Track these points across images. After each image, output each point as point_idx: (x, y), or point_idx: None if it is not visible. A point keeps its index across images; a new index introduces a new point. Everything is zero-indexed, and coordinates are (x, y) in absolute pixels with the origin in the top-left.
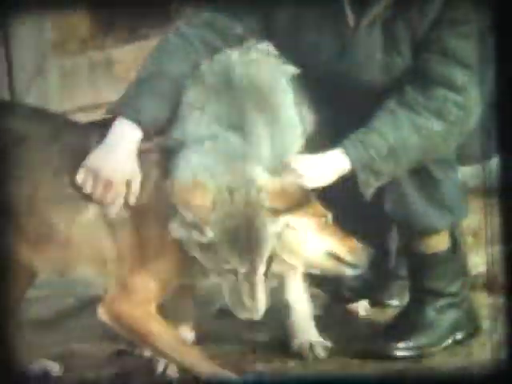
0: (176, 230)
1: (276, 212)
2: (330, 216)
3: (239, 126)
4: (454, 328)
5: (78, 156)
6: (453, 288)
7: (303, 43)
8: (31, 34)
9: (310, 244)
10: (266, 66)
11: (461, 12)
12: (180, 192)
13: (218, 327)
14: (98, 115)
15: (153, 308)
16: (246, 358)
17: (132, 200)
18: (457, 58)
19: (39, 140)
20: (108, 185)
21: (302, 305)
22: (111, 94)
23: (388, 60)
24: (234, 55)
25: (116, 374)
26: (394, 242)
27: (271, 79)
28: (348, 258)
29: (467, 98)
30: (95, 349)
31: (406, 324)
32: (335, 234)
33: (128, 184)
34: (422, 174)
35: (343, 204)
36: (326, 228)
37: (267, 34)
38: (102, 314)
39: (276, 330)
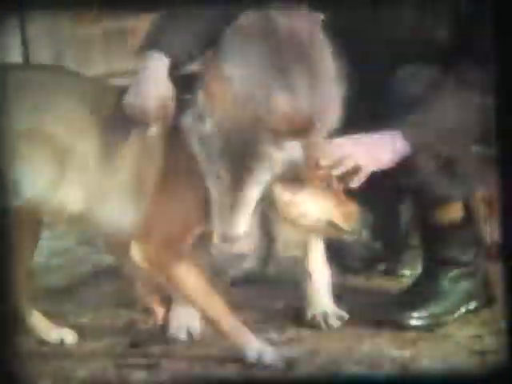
0: (185, 120)
1: (279, 134)
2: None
3: (279, 75)
4: (468, 297)
5: None
6: (466, 257)
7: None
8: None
9: (309, 214)
10: (306, 20)
11: None
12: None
13: (232, 295)
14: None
15: (182, 250)
16: (259, 326)
17: (168, 122)
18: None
19: None
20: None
21: (321, 275)
22: (125, 63)
23: (422, 26)
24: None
25: (130, 343)
26: (406, 211)
27: (312, 33)
28: (345, 225)
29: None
30: (110, 318)
31: (419, 293)
32: (335, 200)
33: (164, 107)
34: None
35: None
36: (326, 193)
37: None
38: (134, 253)
39: (291, 298)
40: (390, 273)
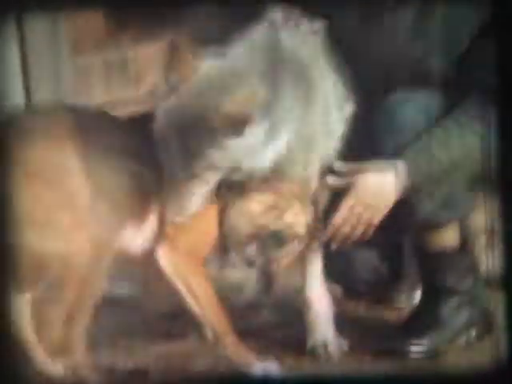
0: None
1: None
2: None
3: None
4: (468, 326)
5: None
6: (465, 285)
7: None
8: (46, 34)
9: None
10: (311, 42)
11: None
12: None
13: (231, 323)
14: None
15: (203, 260)
16: (259, 356)
17: None
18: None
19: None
20: None
21: (321, 303)
22: (125, 93)
23: (417, 55)
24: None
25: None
26: (405, 239)
27: (313, 56)
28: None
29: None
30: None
31: (420, 322)
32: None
33: None
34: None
35: None
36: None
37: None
38: (161, 259)
39: (292, 327)
40: (387, 301)
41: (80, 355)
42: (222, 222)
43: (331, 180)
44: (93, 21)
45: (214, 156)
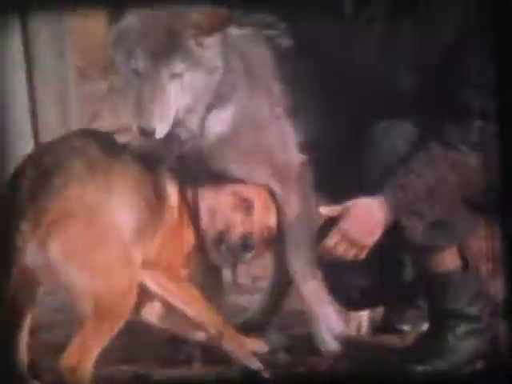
0: None
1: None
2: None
3: None
4: (475, 356)
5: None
6: (472, 311)
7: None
8: (53, 60)
9: None
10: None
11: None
12: None
13: None
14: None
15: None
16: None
17: None
18: (492, 90)
19: None
20: None
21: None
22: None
23: (389, 74)
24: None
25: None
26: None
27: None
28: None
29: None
30: (114, 372)
31: (425, 348)
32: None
33: None
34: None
35: None
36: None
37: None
38: (144, 276)
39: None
40: (390, 329)
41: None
42: (195, 219)
43: (324, 210)
44: (98, 47)
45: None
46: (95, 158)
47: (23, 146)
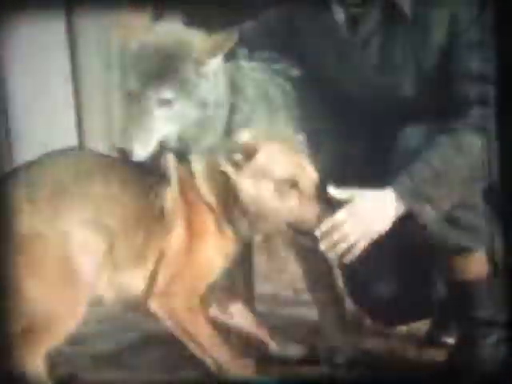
0: None
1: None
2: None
3: None
4: (508, 364)
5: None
6: (505, 317)
7: (302, 49)
8: (99, 72)
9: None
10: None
11: (472, 34)
12: None
13: None
14: None
15: (197, 301)
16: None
17: None
18: (485, 77)
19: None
20: None
21: None
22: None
23: (386, 84)
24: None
25: None
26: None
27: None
28: (304, 227)
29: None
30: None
31: (459, 361)
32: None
33: None
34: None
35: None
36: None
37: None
38: (154, 307)
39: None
40: (433, 341)
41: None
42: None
43: (332, 191)
44: None
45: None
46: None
47: None
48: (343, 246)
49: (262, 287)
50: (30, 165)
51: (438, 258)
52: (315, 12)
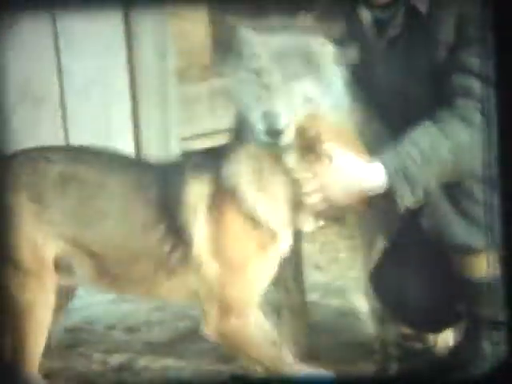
0: None
1: None
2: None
3: None
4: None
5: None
6: (507, 317)
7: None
8: (155, 61)
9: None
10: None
11: (472, 31)
12: None
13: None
14: (216, 141)
15: (251, 318)
16: None
17: None
18: (475, 72)
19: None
20: None
21: None
22: (230, 121)
23: (407, 86)
24: None
25: None
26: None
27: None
28: None
29: (487, 107)
30: (211, 372)
31: (461, 355)
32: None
33: None
34: (462, 193)
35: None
36: None
37: None
38: (209, 335)
39: None
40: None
41: None
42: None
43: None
44: (199, 49)
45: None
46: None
47: (123, 145)
48: (318, 195)
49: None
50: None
51: (449, 257)
52: (342, 13)
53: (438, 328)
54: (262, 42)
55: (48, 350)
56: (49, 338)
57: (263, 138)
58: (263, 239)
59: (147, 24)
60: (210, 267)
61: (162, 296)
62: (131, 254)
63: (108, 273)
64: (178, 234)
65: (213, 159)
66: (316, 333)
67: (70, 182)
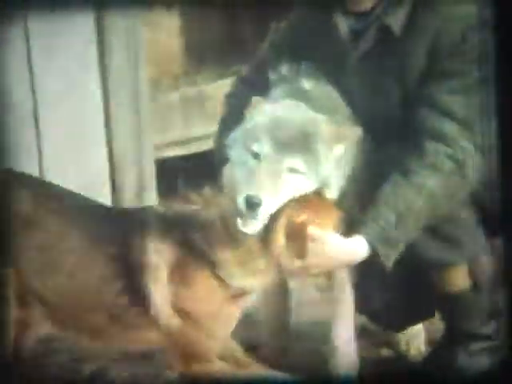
0: None
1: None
2: None
3: None
4: (488, 374)
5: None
6: (486, 330)
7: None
8: (127, 70)
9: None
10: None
11: (448, 64)
12: None
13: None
14: (189, 150)
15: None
16: None
17: None
18: (446, 112)
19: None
20: None
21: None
22: (203, 129)
23: (375, 103)
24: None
25: None
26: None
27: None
28: None
29: (458, 151)
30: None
31: (436, 365)
32: None
33: None
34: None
35: None
36: None
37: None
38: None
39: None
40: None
41: None
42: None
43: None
44: (171, 58)
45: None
46: None
47: (96, 153)
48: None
49: None
50: None
51: (424, 271)
52: (318, 21)
53: (401, 326)
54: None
55: (20, 360)
56: (21, 348)
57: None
58: (230, 296)
59: (120, 33)
60: (172, 323)
61: (120, 346)
62: (85, 306)
63: (62, 322)
64: (136, 290)
65: (180, 222)
66: (291, 338)
67: (33, 227)
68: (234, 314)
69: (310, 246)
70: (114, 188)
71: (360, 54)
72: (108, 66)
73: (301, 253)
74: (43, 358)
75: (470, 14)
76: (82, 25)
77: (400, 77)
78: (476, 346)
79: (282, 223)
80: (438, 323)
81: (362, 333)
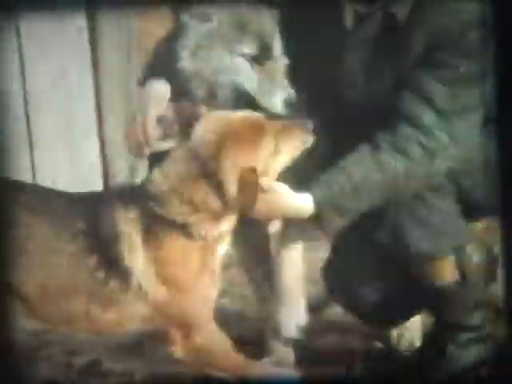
0: None
1: None
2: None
3: None
4: (478, 364)
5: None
6: (474, 320)
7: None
8: (119, 61)
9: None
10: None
11: (444, 55)
12: None
13: None
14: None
15: (213, 331)
16: None
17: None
18: (427, 99)
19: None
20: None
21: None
22: None
23: (369, 87)
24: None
25: None
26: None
27: None
28: None
29: (432, 140)
30: (176, 375)
31: (427, 357)
32: None
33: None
34: (416, 202)
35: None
36: None
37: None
38: (176, 353)
39: None
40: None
41: None
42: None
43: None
44: None
45: None
46: None
47: (90, 145)
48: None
49: None
50: None
51: (411, 263)
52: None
53: (392, 322)
54: None
55: (12, 353)
56: (12, 340)
57: None
58: (201, 253)
59: (112, 24)
60: (158, 292)
61: (105, 330)
62: (63, 291)
63: (40, 313)
64: (112, 262)
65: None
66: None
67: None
68: (213, 266)
69: (260, 194)
70: (107, 179)
71: (362, 42)
72: (100, 57)
73: (250, 199)
74: (35, 351)
75: (472, 10)
76: (74, 17)
77: (397, 63)
78: (465, 336)
79: (231, 170)
80: (426, 316)
81: (352, 326)
